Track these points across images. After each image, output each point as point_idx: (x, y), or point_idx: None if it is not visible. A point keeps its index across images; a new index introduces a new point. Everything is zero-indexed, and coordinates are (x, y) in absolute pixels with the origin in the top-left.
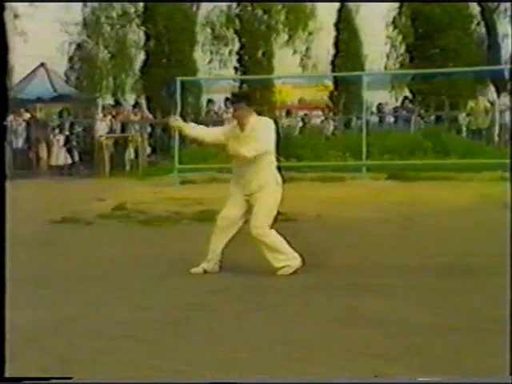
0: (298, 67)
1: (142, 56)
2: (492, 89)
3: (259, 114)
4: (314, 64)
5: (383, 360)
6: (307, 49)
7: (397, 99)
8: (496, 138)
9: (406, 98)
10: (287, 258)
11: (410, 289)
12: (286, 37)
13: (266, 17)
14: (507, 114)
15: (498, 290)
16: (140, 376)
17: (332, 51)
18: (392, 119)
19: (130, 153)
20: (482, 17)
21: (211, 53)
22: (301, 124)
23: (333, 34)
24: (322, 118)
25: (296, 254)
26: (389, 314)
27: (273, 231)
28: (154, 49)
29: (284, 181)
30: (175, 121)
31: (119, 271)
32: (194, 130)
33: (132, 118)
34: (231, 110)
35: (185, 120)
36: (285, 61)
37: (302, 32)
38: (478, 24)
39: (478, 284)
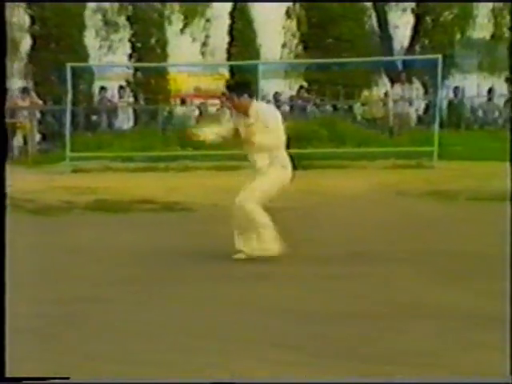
0: (199, 55)
1: (28, 40)
2: (386, 79)
3: (155, 102)
4: (212, 52)
5: (285, 349)
6: (206, 37)
7: (290, 87)
8: (390, 127)
9: (301, 87)
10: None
11: (308, 277)
12: (181, 25)
13: (158, 4)
14: (400, 104)
15: (391, 276)
16: None
17: (227, 40)
18: (288, 108)
19: (18, 140)
20: (374, 8)
21: (101, 39)
22: (197, 113)
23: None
24: (218, 106)
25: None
26: (283, 302)
27: (259, 210)
28: (40, 33)
29: (295, 167)
30: (192, 135)
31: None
32: (211, 135)
33: (20, 103)
34: (232, 99)
35: (75, 105)
36: (184, 49)
37: (199, 19)
38: (371, 16)
39: (374, 271)
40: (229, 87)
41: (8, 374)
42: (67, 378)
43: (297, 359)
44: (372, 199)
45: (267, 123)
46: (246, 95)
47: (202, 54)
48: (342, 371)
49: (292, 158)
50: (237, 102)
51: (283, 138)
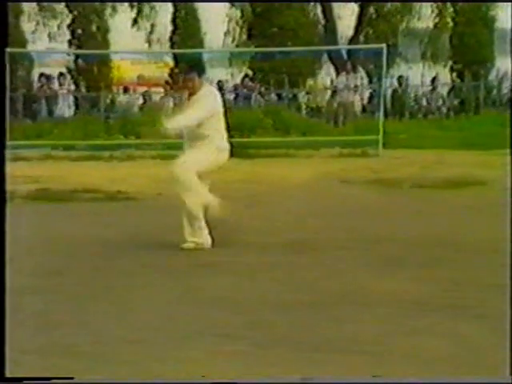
0: (144, 44)
1: None
2: (331, 68)
3: (97, 90)
4: (157, 40)
5: (222, 338)
6: (152, 25)
7: (234, 76)
8: (335, 116)
9: (246, 75)
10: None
11: (252, 265)
12: (129, 13)
13: None
14: (345, 93)
15: (333, 264)
16: None
17: (170, 28)
18: (232, 96)
19: None
20: None
21: (37, 24)
22: (141, 101)
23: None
24: (162, 94)
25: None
26: (223, 292)
27: (195, 177)
28: None
29: (232, 154)
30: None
31: None
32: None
33: None
34: (181, 79)
35: (13, 92)
36: (128, 37)
37: (145, 7)
38: (315, 5)
39: (318, 259)
40: (190, 66)
41: (8, 374)
42: (71, 378)
43: (236, 348)
44: (317, 188)
45: (214, 112)
46: (195, 73)
47: (148, 42)
48: (284, 360)
49: (232, 146)
50: (196, 84)
51: (222, 123)
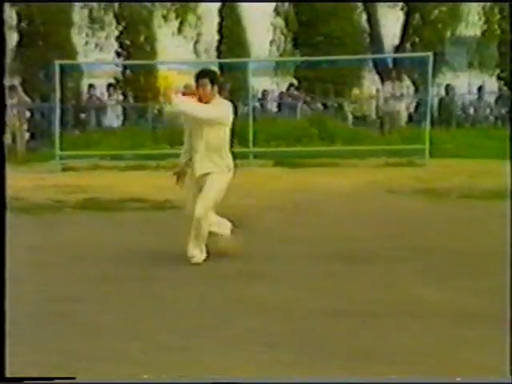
0: (190, 53)
1: (15, 37)
2: (376, 77)
3: (145, 100)
4: (204, 50)
5: (268, 347)
6: (198, 34)
7: (280, 85)
8: (381, 125)
9: (291, 84)
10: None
11: (299, 275)
12: (173, 23)
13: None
14: (390, 102)
15: (382, 274)
16: None
17: (217, 37)
18: (277, 106)
19: (6, 138)
20: (364, 6)
21: (87, 35)
22: None
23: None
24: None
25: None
26: (277, 301)
27: (212, 217)
28: (27, 30)
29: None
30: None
31: None
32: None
33: (8, 101)
34: (204, 87)
35: (63, 103)
36: (175, 47)
37: (191, 17)
38: (361, 13)
39: (364, 270)
40: (203, 73)
41: (8, 374)
42: (73, 378)
43: (288, 358)
44: (363, 197)
45: (223, 120)
46: (207, 80)
47: (195, 52)
48: (335, 369)
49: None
50: (208, 92)
51: (224, 120)
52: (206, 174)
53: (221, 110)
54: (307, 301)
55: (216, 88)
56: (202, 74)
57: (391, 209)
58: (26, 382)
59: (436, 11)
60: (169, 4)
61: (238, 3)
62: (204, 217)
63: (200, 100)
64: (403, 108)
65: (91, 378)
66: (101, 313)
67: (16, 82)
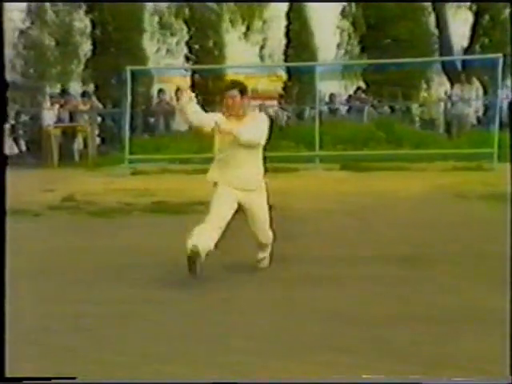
0: (256, 57)
1: (88, 44)
2: (445, 79)
3: (212, 104)
4: (270, 54)
5: (339, 352)
6: (264, 38)
7: (346, 88)
8: (449, 129)
9: (358, 88)
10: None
11: (365, 279)
12: (240, 28)
13: (216, 6)
14: (459, 105)
15: (451, 279)
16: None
17: (284, 41)
18: (345, 109)
19: (78, 143)
20: (433, 8)
21: (158, 41)
22: None
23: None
24: (275, 108)
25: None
26: (340, 305)
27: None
28: (100, 37)
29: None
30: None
31: (67, 263)
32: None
33: (80, 107)
34: (233, 98)
35: (134, 109)
36: (242, 51)
37: (257, 21)
38: (429, 15)
39: (432, 274)
40: (231, 84)
41: (8, 374)
42: (73, 378)
43: (352, 362)
44: (429, 201)
45: (257, 124)
46: (237, 91)
47: (261, 56)
48: (396, 374)
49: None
50: (237, 103)
51: (263, 141)
52: (253, 190)
53: (263, 129)
54: (373, 305)
55: (246, 100)
56: (231, 85)
57: (458, 213)
58: (25, 382)
59: (506, 11)
60: (236, 8)
61: (305, 6)
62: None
63: (226, 111)
64: (472, 111)
65: (155, 379)
66: (171, 315)
67: (89, 88)
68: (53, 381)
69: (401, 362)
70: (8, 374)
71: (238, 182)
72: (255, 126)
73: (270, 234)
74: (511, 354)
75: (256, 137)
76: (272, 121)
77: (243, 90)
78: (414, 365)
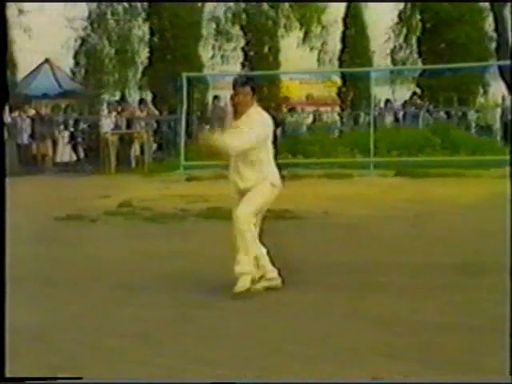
0: (313, 63)
1: (146, 51)
2: (502, 84)
3: (266, 110)
4: (331, 59)
5: (393, 359)
6: (323, 44)
7: (401, 94)
8: (505, 134)
9: (414, 93)
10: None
11: (419, 287)
12: (299, 33)
13: (272, 12)
14: None
15: (507, 288)
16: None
17: (339, 46)
18: (400, 115)
19: (135, 149)
20: (492, 11)
21: (213, 48)
22: (310, 120)
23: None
24: (330, 114)
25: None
26: (397, 313)
27: (253, 230)
28: (158, 44)
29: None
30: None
31: (124, 269)
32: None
33: (137, 114)
34: (245, 94)
35: (189, 115)
36: (298, 57)
37: (316, 27)
38: (487, 18)
39: (487, 283)
40: (244, 80)
41: (8, 374)
42: (80, 378)
43: (408, 369)
44: (486, 209)
45: (250, 127)
46: (249, 88)
47: (320, 61)
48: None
49: (280, 169)
50: (248, 100)
51: (272, 151)
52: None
53: (260, 131)
54: (428, 313)
55: (255, 97)
56: (243, 82)
57: None
58: (26, 382)
59: None
60: (292, 12)
61: (362, 11)
62: (244, 219)
63: (236, 107)
64: None
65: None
66: (222, 320)
67: (147, 95)
68: (51, 380)
69: (452, 371)
70: (8, 373)
71: (236, 186)
72: (245, 131)
73: (246, 212)
74: (511, 353)
75: (246, 143)
76: (275, 119)
77: (255, 88)
78: (463, 373)
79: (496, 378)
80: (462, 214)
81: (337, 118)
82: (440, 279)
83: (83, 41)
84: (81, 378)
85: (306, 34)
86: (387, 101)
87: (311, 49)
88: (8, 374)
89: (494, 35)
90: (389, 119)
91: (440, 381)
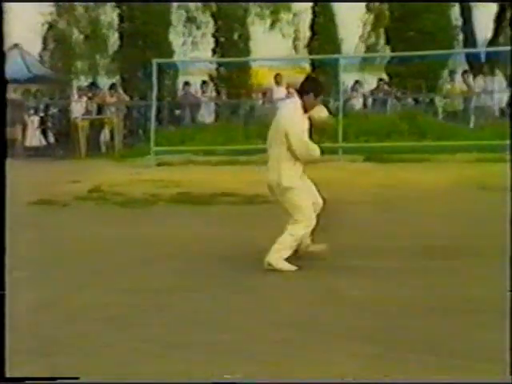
0: (283, 50)
1: (116, 37)
2: (468, 71)
3: (237, 96)
4: (304, 46)
5: (362, 341)
6: (295, 31)
7: (369, 81)
8: (472, 120)
9: (381, 79)
10: None
11: (390, 271)
12: (269, 21)
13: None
14: (482, 97)
15: (474, 270)
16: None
17: (308, 34)
18: (369, 101)
19: (105, 134)
20: (458, 1)
21: (183, 35)
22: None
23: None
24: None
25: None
26: (368, 296)
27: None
28: (128, 30)
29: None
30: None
31: (96, 252)
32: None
33: (108, 99)
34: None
35: (160, 101)
36: (267, 44)
37: (286, 14)
38: (453, 7)
39: (455, 265)
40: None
41: (8, 374)
42: (77, 378)
43: (376, 352)
44: (452, 193)
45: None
46: (311, 96)
47: (294, 48)
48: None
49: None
50: (312, 102)
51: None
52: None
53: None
54: (395, 295)
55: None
56: (306, 87)
57: (482, 205)
58: (27, 382)
59: None
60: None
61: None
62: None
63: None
64: (495, 103)
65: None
66: (202, 303)
67: (116, 81)
68: (50, 381)
69: (422, 352)
70: (8, 374)
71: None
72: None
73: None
74: (511, 353)
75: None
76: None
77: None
78: (436, 356)
79: (496, 378)
80: (430, 199)
81: None
82: (407, 263)
83: (51, 26)
84: (77, 378)
85: (273, 22)
86: (356, 82)
87: (283, 36)
88: (8, 374)
89: (460, 23)
90: (357, 105)
91: (440, 381)
